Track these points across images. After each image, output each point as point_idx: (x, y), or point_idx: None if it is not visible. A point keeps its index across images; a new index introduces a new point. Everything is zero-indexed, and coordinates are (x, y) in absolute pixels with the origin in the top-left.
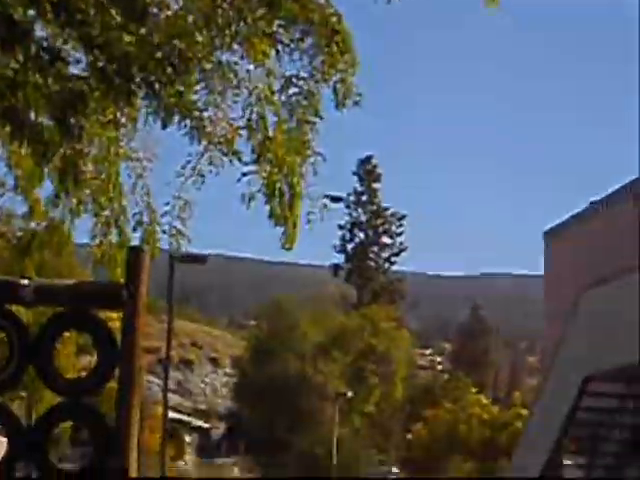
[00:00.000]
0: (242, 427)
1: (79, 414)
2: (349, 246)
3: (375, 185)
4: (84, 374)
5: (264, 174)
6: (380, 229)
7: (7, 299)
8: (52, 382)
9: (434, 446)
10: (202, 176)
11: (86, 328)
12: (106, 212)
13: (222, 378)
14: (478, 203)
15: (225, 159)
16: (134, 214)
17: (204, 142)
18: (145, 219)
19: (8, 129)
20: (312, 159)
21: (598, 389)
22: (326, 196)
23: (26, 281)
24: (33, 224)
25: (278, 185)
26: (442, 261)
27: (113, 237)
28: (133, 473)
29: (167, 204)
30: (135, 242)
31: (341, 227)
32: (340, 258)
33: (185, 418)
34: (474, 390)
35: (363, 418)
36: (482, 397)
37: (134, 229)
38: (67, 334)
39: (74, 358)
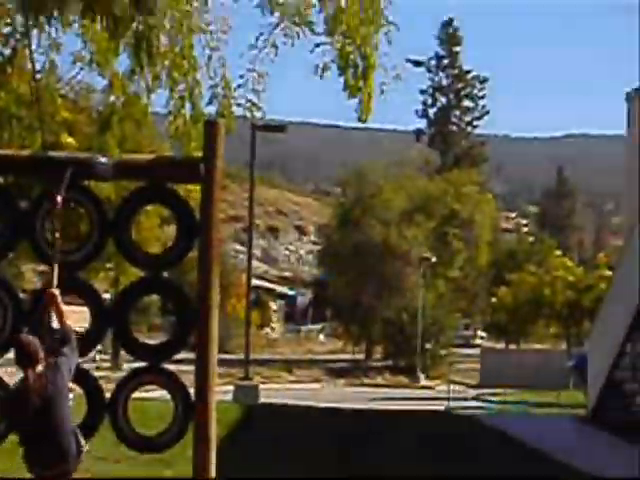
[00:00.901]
0: (328, 294)
1: (159, 288)
2: (431, 111)
3: (456, 48)
4: (167, 246)
5: (338, 45)
6: (462, 92)
7: (86, 175)
8: (131, 256)
9: (519, 310)
10: (276, 47)
11: (165, 202)
12: (180, 86)
13: (307, 246)
14: (563, 62)
15: (298, 30)
16: (209, 87)
17: (277, 13)
18: (220, 92)
19: (81, 4)
20: (386, 29)
21: None
22: (407, 60)
23: (104, 158)
24: (112, 98)
25: (351, 56)
26: (526, 122)
27: (187, 112)
28: (214, 344)
29: (241, 77)
30: (209, 117)
31: (423, 92)
32: (422, 123)
33: (271, 286)
34: (559, 252)
35: (447, 283)
36: (567, 259)
37: (209, 102)
38: (149, 207)
39: (157, 230)
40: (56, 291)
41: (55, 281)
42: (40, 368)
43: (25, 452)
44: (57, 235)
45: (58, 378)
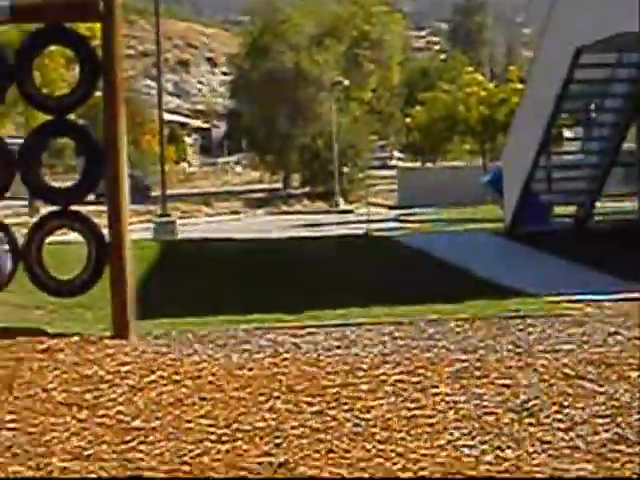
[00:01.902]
0: (242, 125)
1: (65, 131)
2: None
3: None
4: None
5: None
6: None
7: None
8: (34, 100)
9: (433, 128)
10: None
11: (65, 43)
12: None
13: (219, 77)
14: None
15: None
16: None
17: None
18: None
19: None
20: None
21: (590, 61)
22: None
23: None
24: None
25: None
26: None
27: None
28: (124, 183)
29: None
30: None
31: None
32: None
33: (184, 120)
34: (471, 69)
35: (361, 106)
36: (479, 75)
37: None
38: (53, 49)
39: (64, 71)
40: None
41: None
42: None
43: None
44: None
45: None
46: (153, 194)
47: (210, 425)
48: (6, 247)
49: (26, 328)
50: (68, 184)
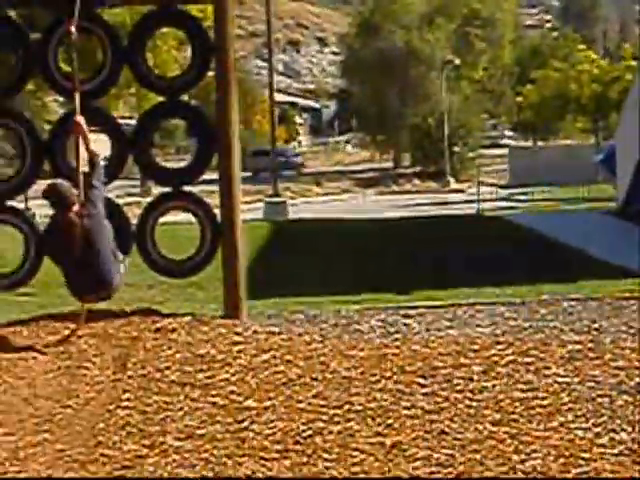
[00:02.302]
0: (353, 104)
1: (177, 112)
2: None
3: None
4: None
5: None
6: None
7: (98, 1)
8: (147, 81)
9: (545, 107)
10: None
11: (177, 24)
12: None
13: (329, 57)
14: None
15: None
16: None
17: None
18: None
19: None
20: None
21: None
22: None
23: None
24: None
25: None
26: None
27: None
28: (237, 162)
29: None
30: None
31: None
32: None
33: (295, 99)
34: (583, 46)
35: (472, 84)
36: (591, 52)
37: None
38: (165, 30)
39: (176, 53)
40: (81, 119)
41: (79, 109)
42: (76, 207)
43: (68, 282)
44: (75, 64)
45: (94, 212)
46: (263, 174)
47: (322, 405)
48: (120, 257)
49: (140, 308)
50: (180, 165)
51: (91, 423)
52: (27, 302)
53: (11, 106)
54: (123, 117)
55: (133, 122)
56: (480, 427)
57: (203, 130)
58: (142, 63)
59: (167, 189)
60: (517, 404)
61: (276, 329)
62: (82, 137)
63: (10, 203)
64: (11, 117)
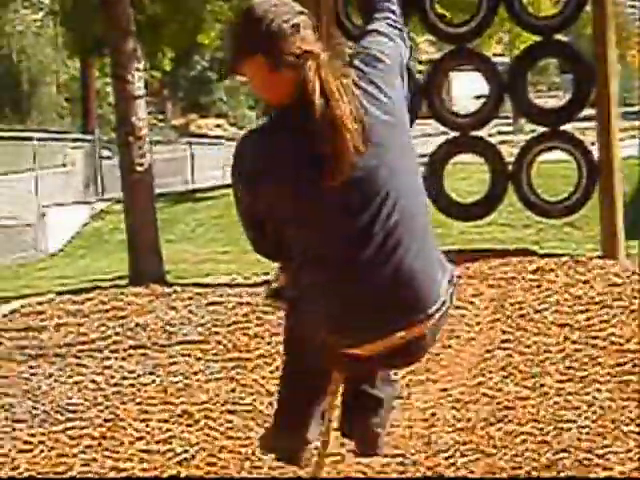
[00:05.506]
0: None
1: (553, 51)
2: None
3: None
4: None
5: None
6: None
7: None
8: (523, 22)
9: None
10: None
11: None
12: None
13: None
14: None
15: None
16: None
17: None
18: None
19: None
20: None
21: None
22: None
23: None
24: None
25: None
26: None
27: None
28: (614, 100)
29: None
30: None
31: None
32: None
33: None
34: None
35: None
36: None
37: None
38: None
39: None
40: None
41: None
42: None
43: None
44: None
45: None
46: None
47: None
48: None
49: (517, 248)
50: (552, 102)
51: (471, 363)
52: None
53: None
54: (495, 54)
55: (505, 59)
56: None
57: (580, 67)
58: (518, 1)
59: (543, 129)
60: None
61: None
62: None
63: None
64: None
